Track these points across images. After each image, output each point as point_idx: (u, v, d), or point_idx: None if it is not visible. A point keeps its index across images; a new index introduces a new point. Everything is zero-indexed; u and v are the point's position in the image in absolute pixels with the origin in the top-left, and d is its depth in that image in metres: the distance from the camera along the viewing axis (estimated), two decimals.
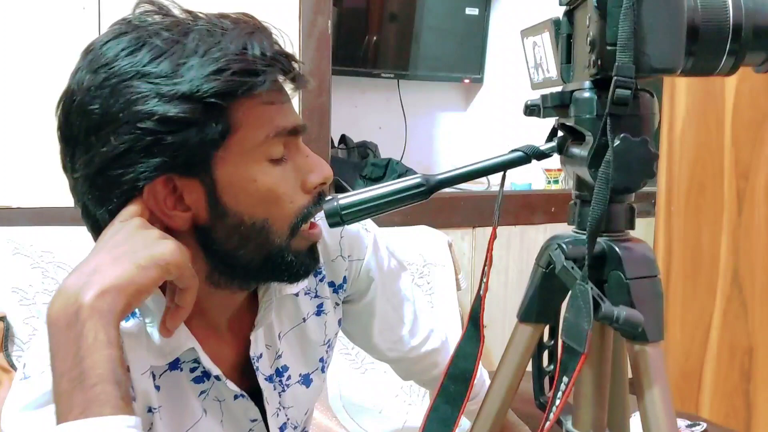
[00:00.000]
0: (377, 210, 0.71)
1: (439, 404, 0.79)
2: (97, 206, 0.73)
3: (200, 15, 0.74)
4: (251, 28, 0.73)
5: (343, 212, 0.70)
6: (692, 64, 0.64)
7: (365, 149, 2.34)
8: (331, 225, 0.71)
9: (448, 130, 2.74)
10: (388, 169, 2.21)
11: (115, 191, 0.70)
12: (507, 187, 0.75)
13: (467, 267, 2.10)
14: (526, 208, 2.19)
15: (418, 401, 1.73)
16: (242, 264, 0.75)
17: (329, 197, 0.72)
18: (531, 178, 2.43)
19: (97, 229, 0.75)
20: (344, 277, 0.94)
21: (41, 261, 1.44)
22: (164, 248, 0.68)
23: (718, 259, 2.00)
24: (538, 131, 0.76)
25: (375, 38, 2.44)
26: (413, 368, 1.08)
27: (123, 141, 0.68)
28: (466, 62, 2.61)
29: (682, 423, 1.51)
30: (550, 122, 0.74)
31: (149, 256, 0.67)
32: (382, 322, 1.00)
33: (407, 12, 2.50)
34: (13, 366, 1.35)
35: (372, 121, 2.55)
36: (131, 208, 0.71)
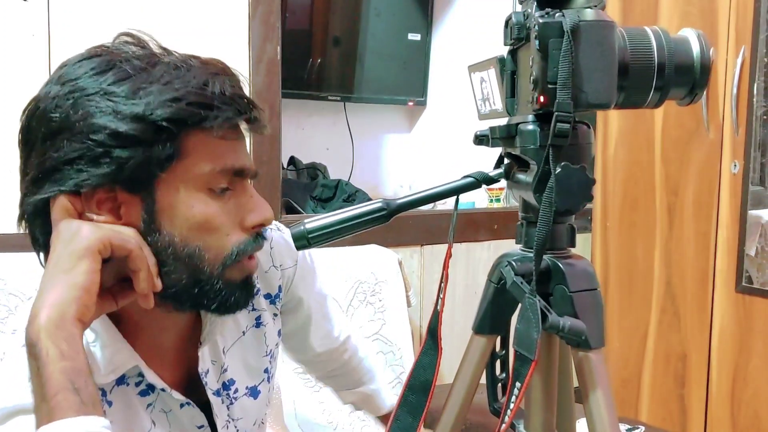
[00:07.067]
0: (341, 233, 0.76)
1: (400, 414, 0.84)
2: (37, 210, 0.76)
3: (174, 53, 0.79)
4: (217, 69, 0.78)
5: (310, 236, 0.75)
6: (623, 99, 0.72)
7: (315, 170, 2.36)
8: (298, 248, 0.76)
9: (394, 151, 2.80)
10: (338, 189, 2.24)
11: (56, 190, 0.74)
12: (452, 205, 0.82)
13: (417, 284, 2.15)
14: (471, 227, 2.25)
15: (371, 418, 1.76)
16: (170, 285, 0.78)
17: (297, 222, 0.77)
18: (474, 196, 2.49)
19: (35, 240, 0.79)
20: (279, 287, 0.99)
21: None
22: (79, 239, 0.72)
23: (652, 271, 2.09)
24: (478, 152, 0.82)
25: (319, 61, 2.47)
26: (339, 358, 1.15)
27: (75, 148, 0.73)
28: (409, 86, 2.68)
29: (622, 427, 1.58)
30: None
31: (68, 255, 0.72)
32: (315, 322, 1.07)
33: (350, 36, 2.54)
34: None
35: (319, 143, 2.58)
36: (61, 204, 0.75)
